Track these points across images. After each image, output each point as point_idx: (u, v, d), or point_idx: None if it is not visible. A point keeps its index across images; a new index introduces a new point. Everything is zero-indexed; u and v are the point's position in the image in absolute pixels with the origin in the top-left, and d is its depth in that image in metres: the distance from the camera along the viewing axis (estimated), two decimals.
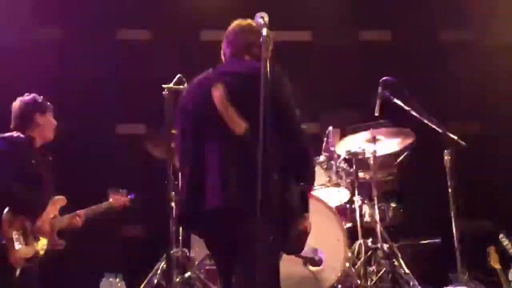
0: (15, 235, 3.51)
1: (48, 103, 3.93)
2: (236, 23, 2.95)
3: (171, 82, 4.20)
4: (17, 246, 3.51)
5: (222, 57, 2.96)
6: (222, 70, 2.82)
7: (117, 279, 3.94)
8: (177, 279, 4.26)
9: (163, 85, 4.26)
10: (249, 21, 2.90)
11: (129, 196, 4.25)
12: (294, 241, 2.67)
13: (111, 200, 4.10)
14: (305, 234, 2.68)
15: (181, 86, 4.42)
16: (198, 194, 2.59)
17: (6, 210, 3.54)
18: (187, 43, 6.06)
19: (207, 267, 4.53)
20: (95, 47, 5.97)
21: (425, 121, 4.32)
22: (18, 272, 3.48)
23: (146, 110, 5.52)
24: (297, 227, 2.64)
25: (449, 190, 4.19)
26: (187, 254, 4.61)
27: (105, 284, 3.91)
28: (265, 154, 2.40)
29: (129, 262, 5.11)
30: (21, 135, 3.71)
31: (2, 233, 3.49)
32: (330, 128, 4.62)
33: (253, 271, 2.36)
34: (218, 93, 2.67)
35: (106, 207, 4.07)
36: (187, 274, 4.41)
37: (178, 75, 4.42)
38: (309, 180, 2.78)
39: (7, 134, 3.70)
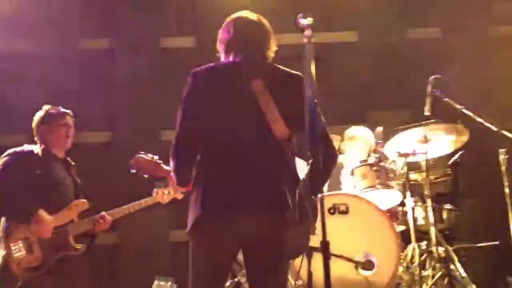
0: (13, 245, 3.58)
1: (58, 112, 3.97)
2: (252, 15, 2.84)
3: None
4: (17, 254, 3.56)
5: (227, 44, 2.79)
6: (254, 64, 2.71)
7: (169, 283, 3.93)
8: (227, 284, 4.24)
9: None
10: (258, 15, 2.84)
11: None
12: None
13: (155, 195, 4.06)
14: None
15: None
16: (237, 191, 2.52)
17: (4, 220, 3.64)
18: None
19: None
20: (140, 56, 6.05)
21: (478, 119, 4.17)
22: (20, 283, 3.51)
23: None
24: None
25: (506, 191, 4.04)
26: (238, 258, 4.57)
27: (157, 286, 3.91)
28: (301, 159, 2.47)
29: (179, 266, 5.13)
30: (27, 148, 3.86)
31: (3, 243, 3.58)
32: (380, 128, 4.51)
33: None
34: (261, 88, 2.60)
35: (148, 203, 4.02)
36: (236, 278, 4.39)
37: None
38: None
39: (19, 148, 3.86)
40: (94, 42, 6.18)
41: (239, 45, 2.77)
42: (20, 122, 4.44)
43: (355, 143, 4.89)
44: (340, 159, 4.99)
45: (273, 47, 2.79)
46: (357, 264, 3.83)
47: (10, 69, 5.73)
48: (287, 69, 2.70)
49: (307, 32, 2.52)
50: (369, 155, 4.71)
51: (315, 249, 3.06)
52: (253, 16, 2.84)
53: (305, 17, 2.55)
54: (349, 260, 3.78)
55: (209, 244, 2.60)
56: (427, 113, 4.38)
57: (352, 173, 4.51)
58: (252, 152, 2.56)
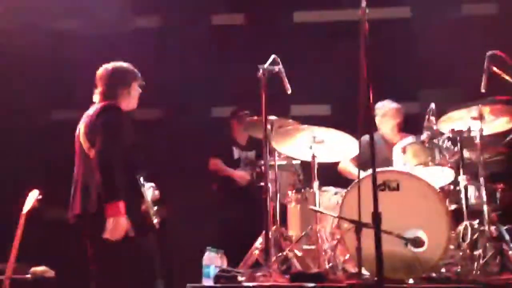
0: None
1: None
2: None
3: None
4: None
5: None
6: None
7: (219, 254, 4.03)
8: (275, 258, 4.28)
9: (258, 66, 4.29)
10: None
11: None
12: None
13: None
14: None
15: (276, 67, 4.42)
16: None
17: None
18: (280, 25, 6.07)
19: (304, 246, 4.52)
20: (190, 33, 6.12)
21: None
22: None
23: (241, 92, 5.63)
24: None
25: None
26: (285, 233, 4.61)
27: (208, 257, 4.02)
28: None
29: (229, 241, 5.22)
30: None
31: None
32: (432, 105, 4.43)
33: None
34: (82, 126, 3.62)
35: None
36: (285, 253, 4.43)
37: (273, 56, 4.43)
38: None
39: None
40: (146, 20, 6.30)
41: None
42: None
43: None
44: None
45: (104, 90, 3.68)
46: (407, 241, 3.81)
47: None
48: (103, 104, 3.61)
49: (362, 8, 2.51)
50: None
51: (365, 224, 3.07)
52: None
53: None
54: (399, 236, 3.75)
55: None
56: (483, 90, 4.29)
57: (403, 151, 4.46)
58: (78, 172, 3.60)
